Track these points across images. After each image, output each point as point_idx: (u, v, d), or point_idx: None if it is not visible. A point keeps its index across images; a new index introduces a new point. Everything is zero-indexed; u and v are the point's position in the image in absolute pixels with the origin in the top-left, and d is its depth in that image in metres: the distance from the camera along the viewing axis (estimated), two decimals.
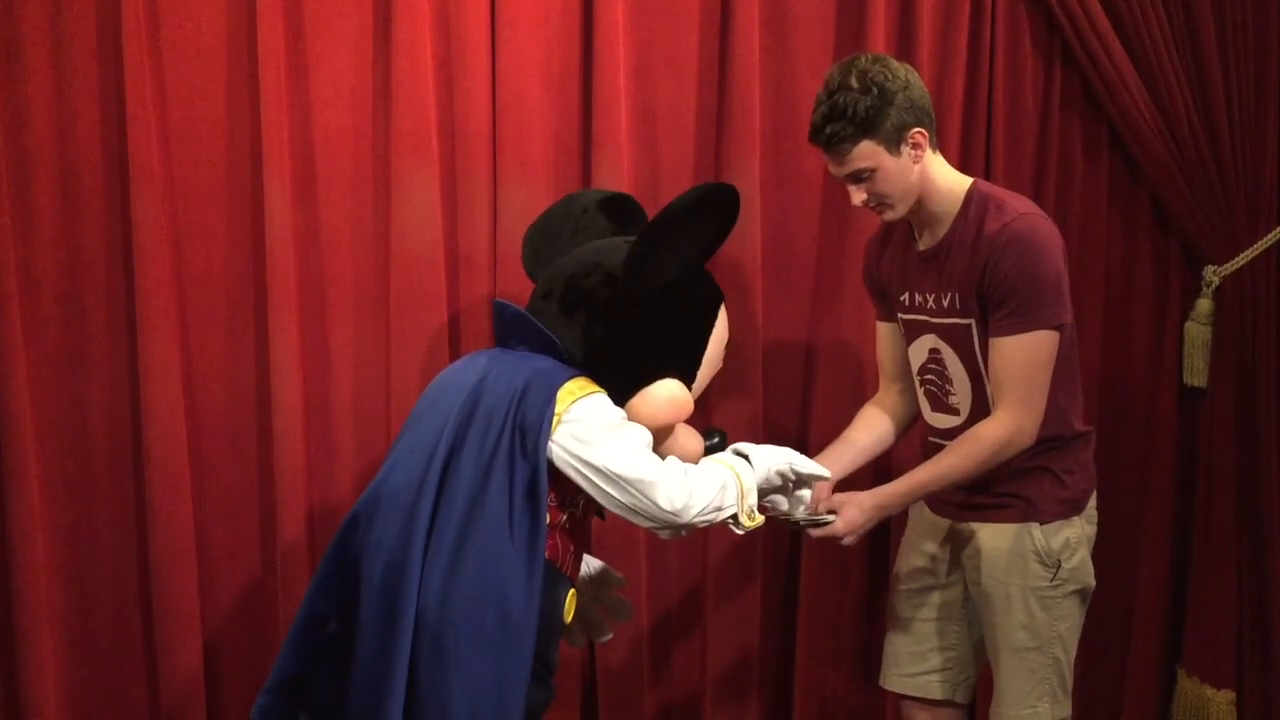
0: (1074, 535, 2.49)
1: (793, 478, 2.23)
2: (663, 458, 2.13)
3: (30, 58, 2.69)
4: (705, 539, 3.10)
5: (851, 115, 2.33)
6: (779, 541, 3.16)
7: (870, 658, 3.12)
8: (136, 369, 2.78)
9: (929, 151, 2.41)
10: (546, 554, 2.07)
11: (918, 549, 2.65)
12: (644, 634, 3.10)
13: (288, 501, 2.85)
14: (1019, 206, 2.41)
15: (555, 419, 2.01)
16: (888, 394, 2.70)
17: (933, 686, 2.65)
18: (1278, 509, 3.23)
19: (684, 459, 2.16)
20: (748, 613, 3.13)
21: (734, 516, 2.13)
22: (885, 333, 2.68)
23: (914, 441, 2.82)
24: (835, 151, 2.39)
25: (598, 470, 2.02)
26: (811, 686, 3.18)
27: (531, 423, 2.00)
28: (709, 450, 2.26)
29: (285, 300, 2.80)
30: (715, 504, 2.09)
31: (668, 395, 2.11)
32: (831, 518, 2.40)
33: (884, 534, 3.15)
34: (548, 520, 2.05)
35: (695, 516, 2.07)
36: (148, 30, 2.71)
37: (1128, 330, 3.24)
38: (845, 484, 2.60)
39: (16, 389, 2.71)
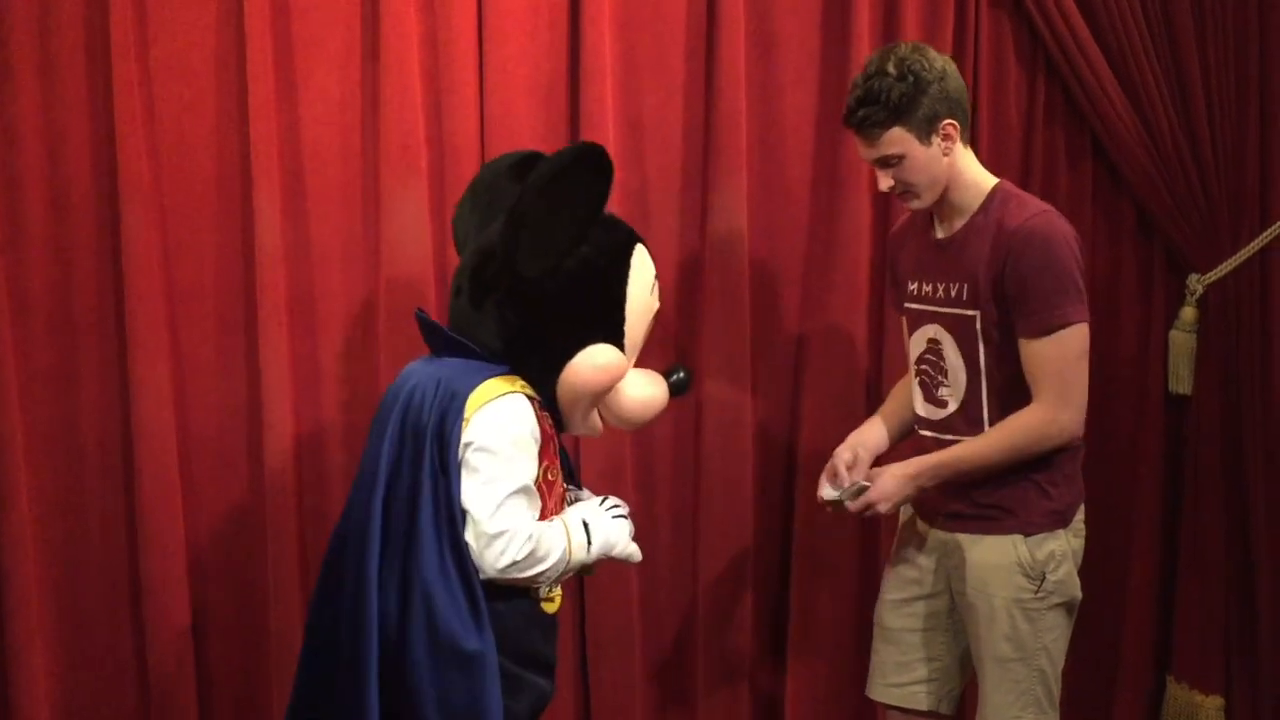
0: (1059, 548, 2.49)
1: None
2: (610, 416, 2.15)
3: (19, 76, 2.70)
4: (695, 549, 3.11)
5: (885, 100, 2.35)
6: (770, 550, 3.17)
7: (862, 667, 3.12)
8: (127, 385, 2.79)
9: (960, 145, 2.43)
10: None
11: (905, 559, 2.66)
12: (636, 642, 3.11)
13: (279, 517, 2.85)
14: (1040, 205, 2.45)
15: (465, 423, 2.02)
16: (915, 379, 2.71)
17: (918, 697, 2.65)
18: (1264, 515, 3.24)
19: (642, 410, 2.18)
20: (739, 622, 3.14)
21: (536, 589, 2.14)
22: (906, 326, 2.70)
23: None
24: (866, 135, 2.41)
25: (462, 500, 2.03)
26: (803, 695, 3.19)
27: (446, 436, 2.02)
28: (674, 389, 2.24)
29: (275, 315, 2.81)
30: (530, 576, 2.07)
31: (596, 363, 2.10)
32: (867, 484, 2.46)
33: (874, 543, 3.16)
34: None
35: (505, 576, 2.05)
36: (137, 48, 2.72)
37: (1113, 339, 3.25)
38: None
39: (7, 405, 2.72)
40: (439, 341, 2.17)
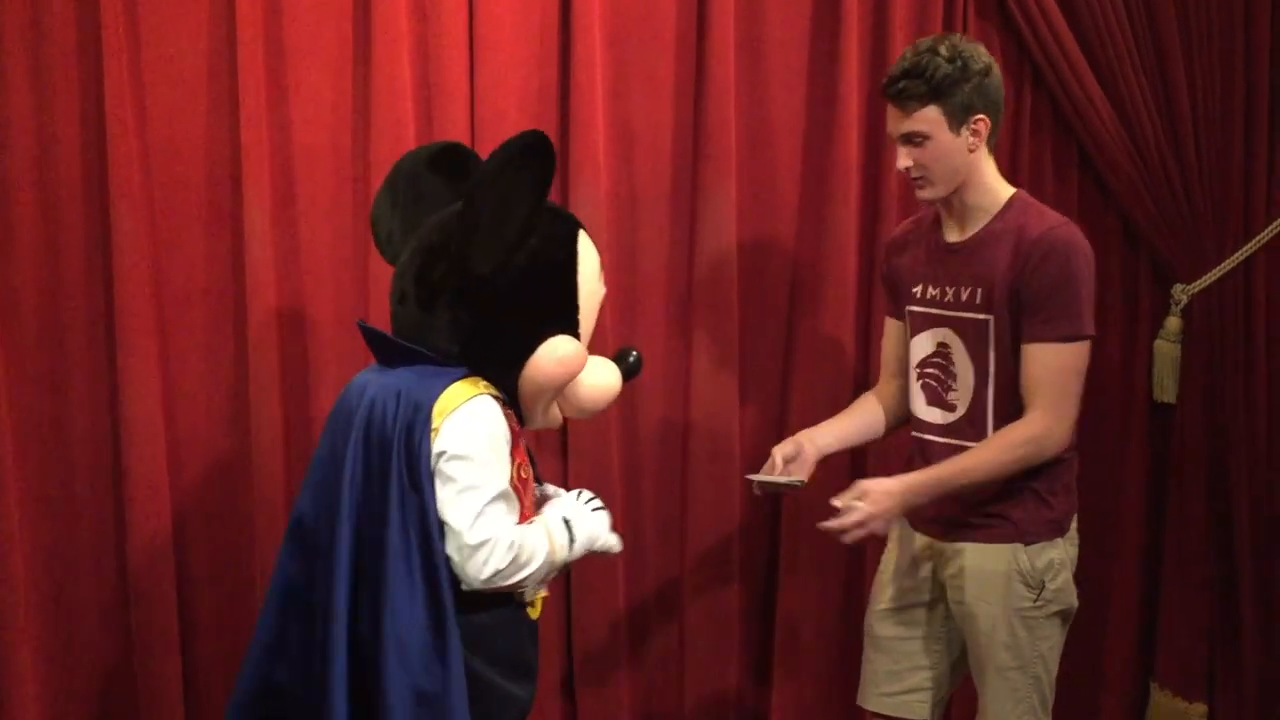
0: (1058, 557, 2.48)
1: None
2: (569, 407, 2.13)
3: (10, 79, 2.71)
4: (682, 555, 3.12)
5: (929, 77, 2.35)
6: (757, 558, 3.18)
7: (847, 676, 3.13)
8: (116, 387, 2.79)
9: (985, 147, 2.43)
10: None
11: (900, 568, 2.63)
12: (623, 653, 3.12)
13: (267, 518, 2.86)
14: (1061, 217, 2.47)
15: (434, 433, 1.98)
16: (886, 388, 2.70)
17: (912, 706, 2.63)
18: (1247, 523, 3.26)
19: (599, 398, 2.16)
20: (725, 627, 3.14)
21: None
22: (894, 330, 2.68)
23: (901, 439, 2.83)
24: (901, 106, 2.40)
25: (439, 511, 1.99)
26: (789, 703, 3.19)
27: (414, 450, 1.97)
28: (626, 373, 2.22)
29: (265, 318, 2.81)
30: (514, 583, 2.03)
31: (557, 356, 2.06)
32: (801, 481, 2.44)
33: (860, 549, 3.17)
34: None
35: (490, 585, 2.01)
36: (128, 51, 2.73)
37: (1099, 348, 3.23)
38: (829, 462, 2.62)
39: None
40: (390, 352, 2.11)
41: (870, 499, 2.36)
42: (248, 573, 2.90)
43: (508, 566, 2.00)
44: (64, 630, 2.85)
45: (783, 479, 2.47)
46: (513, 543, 2.01)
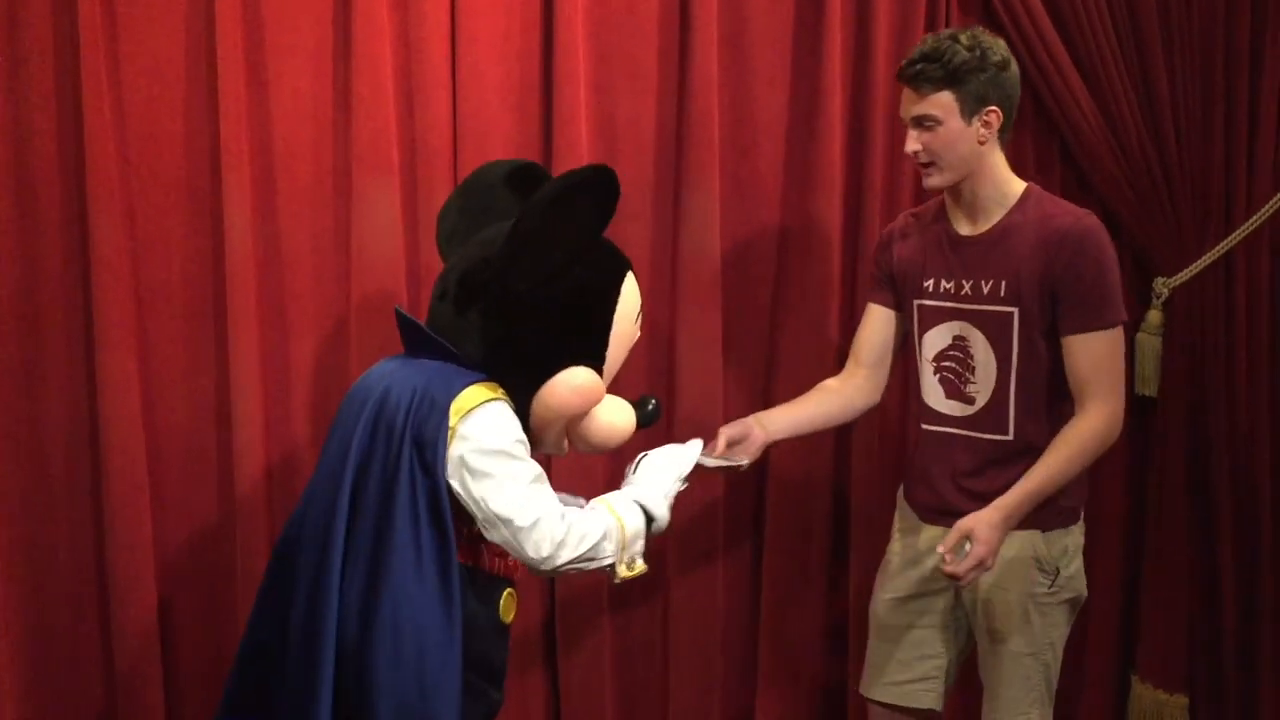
0: (1072, 544, 2.52)
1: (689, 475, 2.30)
2: (578, 440, 2.14)
3: None
4: (664, 558, 3.11)
5: (946, 61, 2.37)
6: (741, 559, 3.18)
7: (832, 676, 3.15)
8: (95, 382, 2.77)
9: (996, 140, 2.45)
10: (474, 561, 2.09)
11: (908, 558, 2.64)
12: (607, 654, 3.12)
13: (248, 515, 2.84)
14: (1080, 208, 2.48)
15: (450, 432, 1.99)
16: (853, 377, 2.69)
17: (919, 695, 2.63)
18: (1228, 516, 3.28)
19: (609, 437, 2.17)
20: (709, 630, 3.14)
21: (611, 566, 2.12)
22: (878, 317, 2.68)
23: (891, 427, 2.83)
24: (916, 88, 2.41)
25: (476, 503, 2.01)
26: (773, 699, 3.19)
27: (428, 438, 1.99)
28: (643, 420, 2.25)
29: (245, 313, 2.79)
30: (588, 555, 2.06)
31: (574, 385, 2.08)
32: (740, 464, 2.46)
33: (843, 547, 3.18)
34: (463, 529, 2.05)
35: (563, 565, 2.05)
36: (106, 43, 2.70)
37: None
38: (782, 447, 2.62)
39: None
40: (418, 341, 2.13)
41: (978, 537, 2.35)
42: (229, 566, 2.88)
43: (567, 535, 2.03)
44: (42, 627, 2.82)
45: (717, 461, 2.47)
46: (564, 514, 2.04)
